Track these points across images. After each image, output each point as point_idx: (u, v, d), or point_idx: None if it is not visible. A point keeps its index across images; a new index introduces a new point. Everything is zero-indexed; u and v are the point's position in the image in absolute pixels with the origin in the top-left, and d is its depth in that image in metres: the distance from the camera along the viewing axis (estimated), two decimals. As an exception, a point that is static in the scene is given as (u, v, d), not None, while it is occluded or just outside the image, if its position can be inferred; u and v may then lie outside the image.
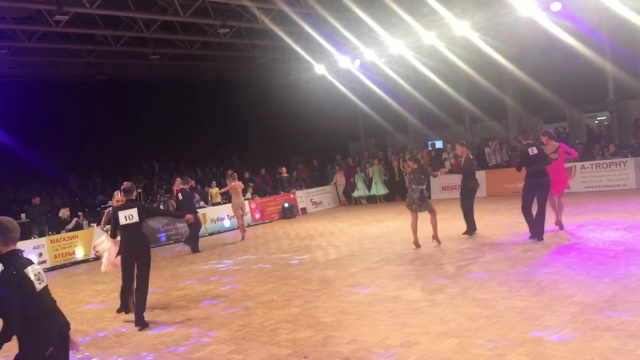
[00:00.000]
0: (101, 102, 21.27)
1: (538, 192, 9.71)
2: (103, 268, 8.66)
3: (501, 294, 6.65)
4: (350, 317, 6.55)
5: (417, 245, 10.36)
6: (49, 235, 14.89)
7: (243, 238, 15.07)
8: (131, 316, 7.96)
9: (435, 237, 10.42)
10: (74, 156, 20.88)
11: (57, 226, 15.53)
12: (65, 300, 9.91)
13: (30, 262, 3.76)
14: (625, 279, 6.58)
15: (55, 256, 14.24)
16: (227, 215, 18.02)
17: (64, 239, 14.66)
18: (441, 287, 7.33)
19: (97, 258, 14.79)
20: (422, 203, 10.22)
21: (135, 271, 7.46)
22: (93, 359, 6.28)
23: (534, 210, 9.79)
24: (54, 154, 19.45)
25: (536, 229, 9.74)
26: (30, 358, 3.64)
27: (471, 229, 11.06)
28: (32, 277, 3.62)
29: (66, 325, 3.84)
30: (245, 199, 19.04)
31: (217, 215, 18.02)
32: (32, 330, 3.62)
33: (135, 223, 7.39)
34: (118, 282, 10.86)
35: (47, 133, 19.59)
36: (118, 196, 8.14)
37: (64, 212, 15.58)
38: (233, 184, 15.23)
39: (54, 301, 3.81)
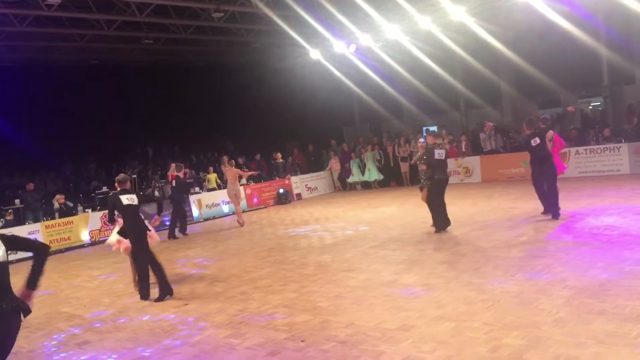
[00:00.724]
0: (95, 87, 21.09)
1: (545, 176, 10.10)
2: (114, 248, 8.75)
3: (496, 278, 6.70)
4: (346, 301, 6.59)
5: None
6: (44, 220, 14.85)
7: (242, 224, 14.83)
8: (128, 302, 8.01)
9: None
10: (67, 142, 20.76)
11: (51, 213, 15.46)
12: (61, 285, 9.93)
13: None
14: (619, 263, 6.64)
15: (50, 241, 14.19)
16: (223, 201, 18.02)
17: (59, 225, 14.63)
18: (437, 272, 7.38)
19: (93, 243, 14.92)
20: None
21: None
22: (91, 343, 6.30)
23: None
24: (47, 140, 19.35)
25: (551, 207, 10.13)
26: None
27: (441, 226, 10.18)
28: None
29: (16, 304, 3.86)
30: (240, 184, 19.07)
31: (212, 201, 18.02)
32: None
33: (137, 205, 7.91)
34: (114, 267, 10.94)
35: (40, 119, 19.45)
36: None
37: (59, 199, 15.46)
38: (230, 170, 15.13)
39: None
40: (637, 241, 7.60)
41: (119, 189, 7.98)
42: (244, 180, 19.36)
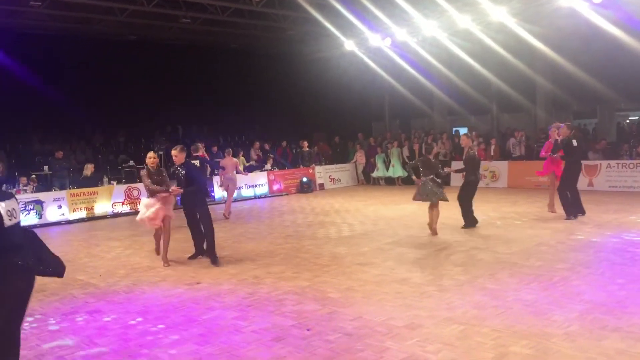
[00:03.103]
0: (130, 62, 21.31)
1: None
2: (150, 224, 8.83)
3: (511, 285, 6.60)
4: (357, 294, 6.56)
5: (434, 233, 10.16)
6: (70, 189, 15.11)
7: (227, 217, 13.86)
8: (142, 275, 8.12)
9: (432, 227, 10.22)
10: (99, 114, 21.05)
11: (79, 182, 15.62)
12: (80, 254, 10.11)
13: (7, 197, 3.76)
14: (640, 281, 6.48)
15: (74, 209, 14.47)
16: (246, 185, 18.07)
17: (84, 194, 14.87)
18: (451, 274, 7.30)
19: (115, 215, 15.14)
20: (438, 190, 10.02)
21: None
22: (102, 312, 6.40)
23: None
24: (79, 110, 19.65)
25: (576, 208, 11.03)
26: None
27: (470, 223, 10.66)
28: (3, 213, 3.63)
29: (37, 263, 3.81)
30: (264, 170, 19.11)
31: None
32: None
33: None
34: (133, 240, 11.10)
35: (75, 89, 19.73)
36: (152, 154, 8.83)
37: (90, 168, 15.55)
38: (230, 160, 14.48)
39: (25, 239, 3.82)
40: (661, 261, 7.40)
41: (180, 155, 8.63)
42: (268, 166, 19.45)
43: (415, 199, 10.39)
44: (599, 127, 21.17)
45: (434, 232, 10.13)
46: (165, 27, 20.79)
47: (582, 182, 15.27)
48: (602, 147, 16.86)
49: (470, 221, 10.68)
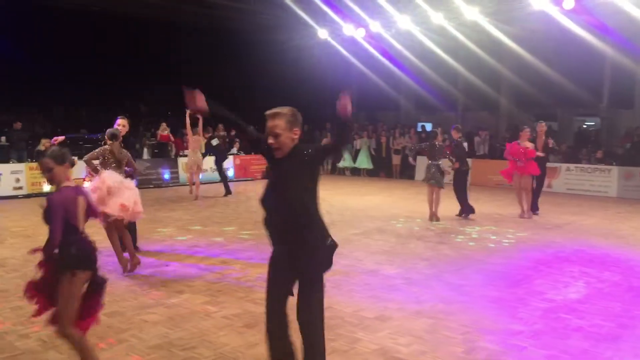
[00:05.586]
0: (93, 35, 20.66)
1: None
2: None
3: (477, 281, 6.75)
4: (327, 284, 6.57)
5: (434, 218, 10.95)
6: (28, 162, 14.62)
7: (196, 197, 14.04)
8: (106, 256, 7.95)
9: (435, 214, 11.01)
10: (59, 86, 20.39)
11: (36, 155, 15.17)
12: (39, 229, 9.77)
13: None
14: (599, 283, 6.72)
15: (33, 184, 14.03)
16: (210, 168, 17.82)
17: (43, 169, 14.40)
18: (417, 267, 7.41)
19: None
20: (440, 178, 10.85)
21: None
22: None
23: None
24: (39, 81, 19.02)
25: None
26: None
27: (467, 210, 11.42)
28: None
29: None
30: (230, 154, 18.88)
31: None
32: None
33: None
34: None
35: (34, 59, 19.06)
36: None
37: (45, 143, 15.03)
38: (195, 138, 14.10)
39: None
40: (617, 264, 7.69)
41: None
42: (234, 150, 19.25)
43: (423, 180, 11.38)
44: (558, 130, 21.78)
45: (434, 216, 10.92)
46: (132, 1, 20.15)
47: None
48: (562, 150, 17.33)
49: (467, 209, 11.35)
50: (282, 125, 3.56)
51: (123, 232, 7.09)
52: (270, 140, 3.57)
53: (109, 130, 7.32)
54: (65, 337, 3.87)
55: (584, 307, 5.80)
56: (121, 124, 7.85)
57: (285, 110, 3.64)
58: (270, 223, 3.79)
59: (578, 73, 17.64)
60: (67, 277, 3.80)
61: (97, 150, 7.37)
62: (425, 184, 11.28)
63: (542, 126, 11.81)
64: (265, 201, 3.84)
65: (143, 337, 4.94)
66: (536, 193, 11.93)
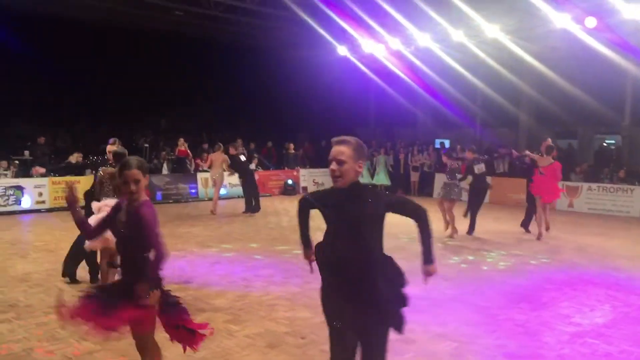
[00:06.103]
0: (115, 51, 20.96)
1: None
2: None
3: (501, 303, 6.67)
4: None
5: (449, 229, 11.19)
6: (51, 176, 14.80)
7: (214, 212, 14.09)
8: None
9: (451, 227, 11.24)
10: (82, 101, 20.71)
11: (66, 170, 15.12)
12: (62, 243, 9.88)
13: None
14: (626, 307, 6.60)
15: (55, 198, 14.19)
16: (229, 183, 17.91)
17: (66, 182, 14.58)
18: (440, 287, 7.34)
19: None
20: (449, 192, 11.16)
21: None
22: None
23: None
24: (62, 96, 19.31)
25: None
26: None
27: (471, 228, 11.49)
28: None
29: None
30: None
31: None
32: None
33: None
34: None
35: (58, 75, 19.33)
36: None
37: (77, 157, 15.10)
38: (219, 155, 14.45)
39: None
40: (644, 287, 7.56)
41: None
42: (252, 166, 19.29)
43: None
44: (578, 148, 21.57)
45: (453, 231, 11.18)
46: (157, 18, 20.49)
47: (562, 203, 15.61)
48: (583, 169, 17.14)
49: (473, 227, 11.49)
50: (349, 153, 3.35)
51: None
52: (333, 167, 3.34)
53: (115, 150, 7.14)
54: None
55: (610, 332, 5.70)
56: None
57: (352, 139, 3.44)
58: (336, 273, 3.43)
59: (599, 91, 17.50)
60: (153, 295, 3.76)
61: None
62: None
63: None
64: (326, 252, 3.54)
65: (166, 356, 4.92)
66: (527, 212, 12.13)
